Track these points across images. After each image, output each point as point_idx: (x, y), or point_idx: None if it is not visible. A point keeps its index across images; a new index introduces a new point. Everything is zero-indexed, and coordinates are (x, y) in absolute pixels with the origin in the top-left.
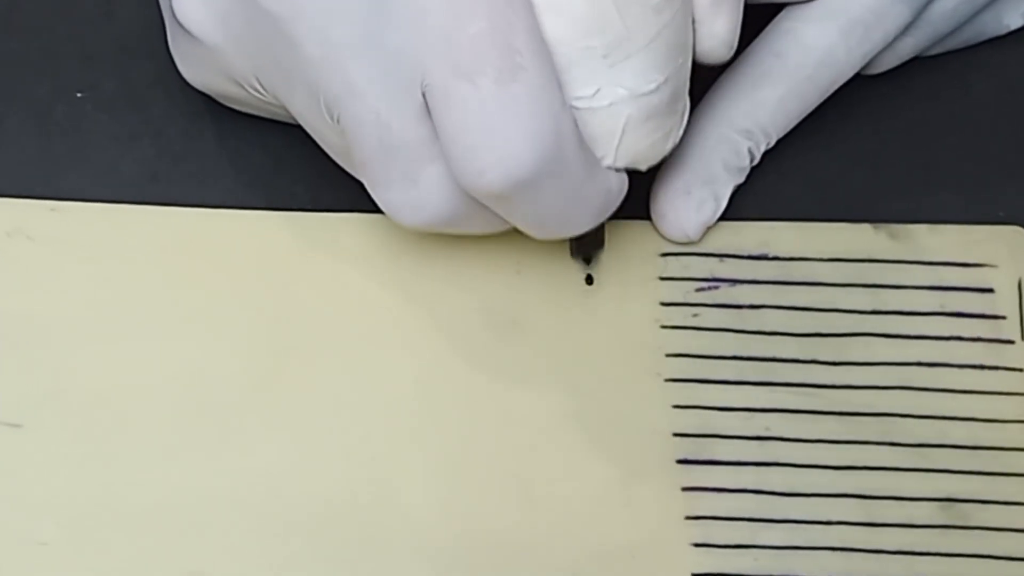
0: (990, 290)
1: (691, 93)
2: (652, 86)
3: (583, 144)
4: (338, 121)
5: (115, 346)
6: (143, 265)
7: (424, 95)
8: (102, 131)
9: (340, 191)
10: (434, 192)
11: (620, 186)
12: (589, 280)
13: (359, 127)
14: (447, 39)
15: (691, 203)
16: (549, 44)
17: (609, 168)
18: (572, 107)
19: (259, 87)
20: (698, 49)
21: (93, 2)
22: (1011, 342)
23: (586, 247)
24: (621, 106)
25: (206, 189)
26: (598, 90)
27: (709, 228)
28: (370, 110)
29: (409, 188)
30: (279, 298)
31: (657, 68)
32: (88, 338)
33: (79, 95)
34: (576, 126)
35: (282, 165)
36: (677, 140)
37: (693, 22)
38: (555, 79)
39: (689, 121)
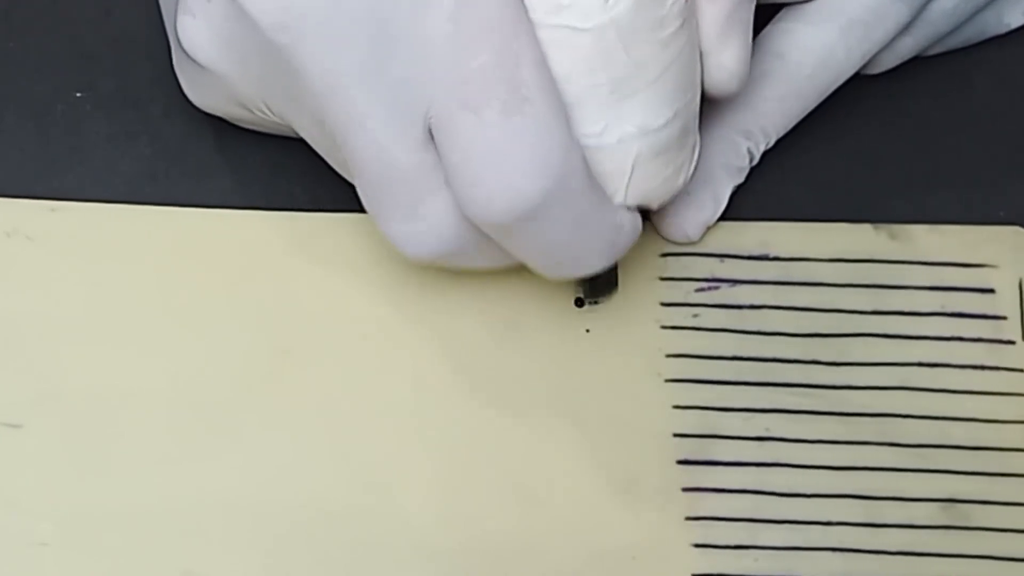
0: (991, 290)
1: None
2: (661, 122)
3: (591, 179)
4: (341, 149)
5: (114, 346)
6: (142, 265)
7: (428, 126)
8: (101, 131)
9: (339, 191)
10: (438, 224)
11: (632, 225)
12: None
13: (362, 157)
14: (452, 71)
15: (691, 203)
16: (556, 80)
17: (620, 206)
18: (581, 144)
19: (267, 111)
20: (707, 82)
21: (92, 2)
22: (1012, 342)
23: (598, 289)
24: (630, 143)
25: (205, 189)
26: (606, 126)
27: (709, 228)
28: (373, 140)
29: (413, 219)
30: (277, 299)
31: (666, 103)
32: (87, 338)
33: (78, 95)
34: (584, 161)
35: (281, 165)
36: (689, 176)
37: (700, 55)
38: (562, 112)
39: None
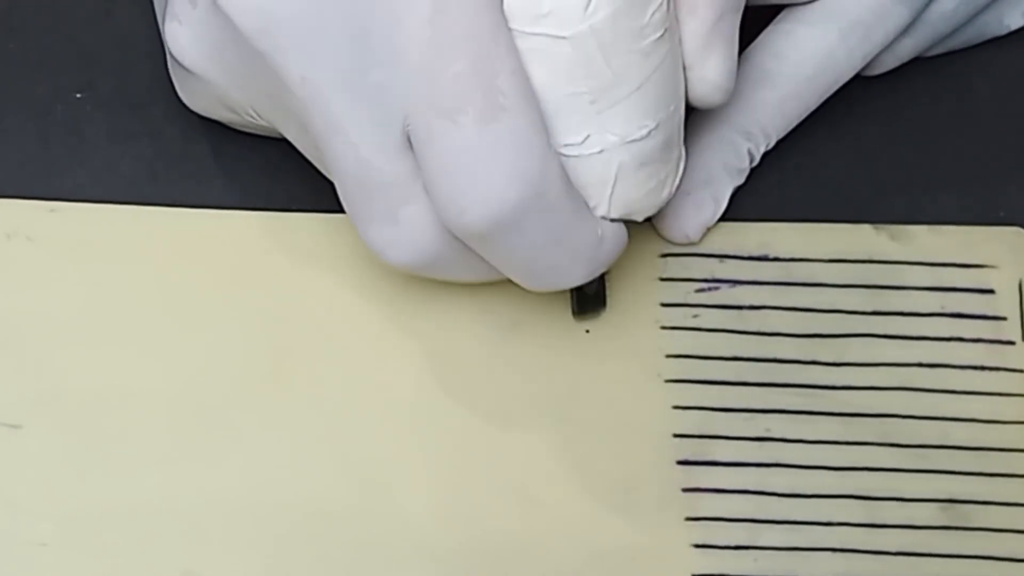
0: (991, 291)
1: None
2: (643, 132)
3: (571, 189)
4: (323, 154)
5: (114, 346)
6: (142, 265)
7: (407, 133)
8: (101, 131)
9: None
10: (417, 231)
11: (616, 237)
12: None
13: (341, 162)
14: (429, 78)
15: (691, 204)
16: (536, 90)
17: (603, 218)
18: (562, 154)
19: (255, 115)
20: (691, 95)
21: (92, 2)
22: (1012, 343)
23: (586, 304)
24: (612, 153)
25: (205, 190)
26: (587, 137)
27: (709, 229)
28: (351, 145)
29: (391, 226)
30: (277, 299)
31: (647, 114)
32: (87, 338)
33: (78, 95)
34: (563, 170)
35: (281, 166)
36: (673, 190)
37: (684, 68)
38: (539, 121)
39: (689, 122)
